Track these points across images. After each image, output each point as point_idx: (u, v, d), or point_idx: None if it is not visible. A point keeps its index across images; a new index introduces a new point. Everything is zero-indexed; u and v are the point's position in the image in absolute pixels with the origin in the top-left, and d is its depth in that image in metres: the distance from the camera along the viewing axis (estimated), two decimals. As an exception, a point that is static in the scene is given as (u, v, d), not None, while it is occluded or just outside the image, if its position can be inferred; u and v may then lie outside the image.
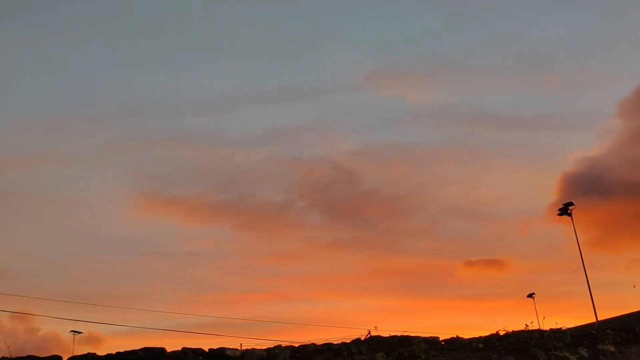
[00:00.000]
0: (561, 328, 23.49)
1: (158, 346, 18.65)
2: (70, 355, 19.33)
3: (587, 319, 40.61)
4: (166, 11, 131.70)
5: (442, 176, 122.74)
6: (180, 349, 18.72)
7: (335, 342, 20.62)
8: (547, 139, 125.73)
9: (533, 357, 20.13)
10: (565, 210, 43.01)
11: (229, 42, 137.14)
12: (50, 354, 18.86)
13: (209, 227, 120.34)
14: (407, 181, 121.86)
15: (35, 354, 18.94)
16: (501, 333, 22.88)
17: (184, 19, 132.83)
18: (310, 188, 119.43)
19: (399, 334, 21.33)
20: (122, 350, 18.65)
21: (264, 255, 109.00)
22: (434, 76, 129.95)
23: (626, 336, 24.00)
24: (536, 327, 23.55)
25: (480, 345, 21.75)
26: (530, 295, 64.71)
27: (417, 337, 21.16)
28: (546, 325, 24.35)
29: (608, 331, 24.30)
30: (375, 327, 22.47)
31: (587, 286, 40.53)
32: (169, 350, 18.58)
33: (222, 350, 18.77)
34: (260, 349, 19.48)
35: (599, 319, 38.97)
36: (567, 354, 20.46)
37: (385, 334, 21.60)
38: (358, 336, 21.86)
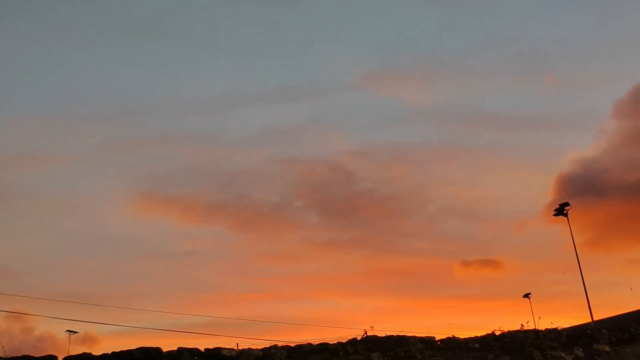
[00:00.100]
0: (557, 328, 23.55)
1: (154, 346, 18.62)
2: (66, 355, 19.28)
3: (582, 319, 40.71)
4: (165, 11, 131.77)
5: (440, 176, 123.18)
6: (176, 348, 18.70)
7: (331, 342, 20.62)
8: (544, 140, 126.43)
9: (529, 357, 20.18)
10: (561, 210, 43.12)
11: (227, 42, 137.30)
12: (46, 354, 18.83)
13: (206, 227, 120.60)
14: (404, 181, 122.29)
15: (31, 354, 18.88)
16: (497, 333, 22.92)
17: (182, 19, 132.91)
18: (308, 188, 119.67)
19: (395, 333, 21.35)
20: (117, 350, 18.61)
21: (261, 255, 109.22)
22: (432, 76, 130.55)
23: (621, 336, 24.09)
24: (532, 327, 23.62)
25: (476, 345, 21.78)
26: (526, 296, 64.92)
27: (413, 337, 21.18)
28: (542, 325, 24.46)
29: (603, 331, 24.38)
30: (372, 327, 22.54)
31: (582, 286, 40.69)
32: (164, 350, 18.54)
33: (218, 350, 18.74)
34: (257, 349, 19.46)
35: (595, 319, 39.10)
36: (562, 354, 20.51)
37: (381, 334, 21.64)
38: (354, 336, 21.92)
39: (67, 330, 56.47)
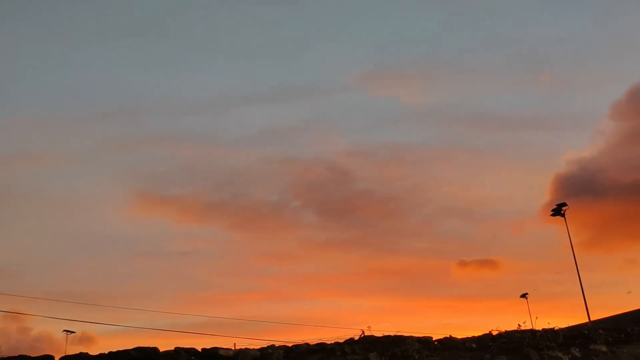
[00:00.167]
0: (554, 328, 23.63)
1: (151, 346, 18.60)
2: (63, 355, 19.25)
3: (580, 319, 40.82)
4: (163, 11, 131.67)
5: (438, 176, 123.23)
6: (173, 348, 18.68)
7: (328, 342, 20.62)
8: (542, 140, 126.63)
9: (526, 357, 20.21)
10: (558, 210, 43.17)
11: (225, 42, 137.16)
12: (43, 354, 18.80)
13: (204, 227, 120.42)
14: (402, 181, 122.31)
15: (28, 354, 18.85)
16: (494, 333, 23.00)
17: (180, 19, 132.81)
18: (306, 188, 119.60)
19: (392, 333, 21.38)
20: (114, 350, 18.60)
21: (258, 255, 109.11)
22: (430, 77, 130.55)
23: (618, 336, 24.17)
24: (529, 327, 23.67)
25: (473, 345, 21.82)
26: (524, 296, 64.97)
27: (411, 337, 21.21)
28: (539, 325, 24.50)
29: (600, 331, 24.46)
30: (369, 327, 22.49)
31: (580, 286, 40.74)
32: (162, 350, 18.53)
33: (215, 350, 18.73)
34: (254, 349, 19.45)
35: (592, 319, 39.16)
36: (559, 354, 20.55)
37: (378, 334, 21.65)
38: (352, 336, 21.89)
39: (65, 330, 56.20)
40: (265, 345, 20.40)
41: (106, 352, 18.63)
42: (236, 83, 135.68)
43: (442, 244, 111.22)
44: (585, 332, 24.36)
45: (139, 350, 18.34)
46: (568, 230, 42.32)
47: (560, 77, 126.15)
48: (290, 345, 20.58)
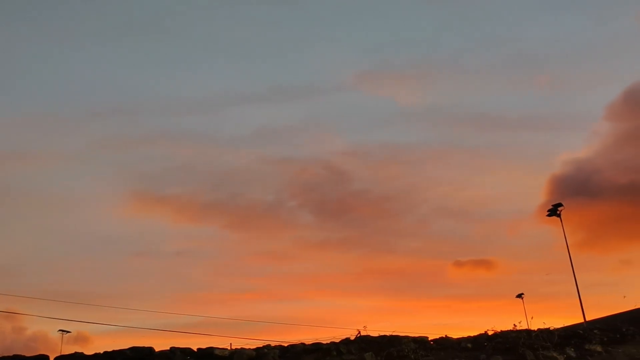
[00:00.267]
0: (549, 328, 23.67)
1: (146, 346, 18.59)
2: (58, 355, 19.22)
3: (575, 319, 40.86)
4: (159, 10, 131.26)
5: (433, 176, 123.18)
6: (168, 348, 18.67)
7: (324, 342, 20.64)
8: (537, 140, 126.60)
9: (521, 357, 20.26)
10: (554, 211, 43.24)
11: (223, 41, 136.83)
12: (38, 354, 18.76)
13: (200, 226, 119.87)
14: (398, 181, 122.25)
15: (23, 354, 18.82)
16: (490, 333, 23.03)
17: (177, 19, 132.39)
18: (302, 188, 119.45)
19: (388, 333, 21.40)
20: (110, 349, 18.59)
21: (254, 254, 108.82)
22: (427, 77, 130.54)
23: (613, 336, 24.24)
24: (524, 327, 23.72)
25: (469, 345, 21.86)
26: (519, 296, 65.13)
27: (406, 337, 21.24)
28: (534, 325, 24.58)
29: (595, 331, 24.51)
30: (365, 327, 22.51)
31: (575, 287, 40.84)
32: (157, 349, 18.52)
33: (210, 349, 18.73)
34: (250, 349, 19.46)
35: (587, 319, 39.25)
36: (554, 354, 20.61)
37: (374, 334, 21.67)
38: (347, 336, 21.90)
39: (60, 330, 56.07)
40: (261, 345, 20.41)
41: (101, 352, 18.63)
42: (233, 83, 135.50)
43: (438, 244, 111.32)
44: (581, 332, 24.43)
45: (135, 350, 18.33)
46: (564, 231, 42.41)
47: (556, 78, 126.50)
48: (286, 345, 20.60)
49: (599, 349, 22.28)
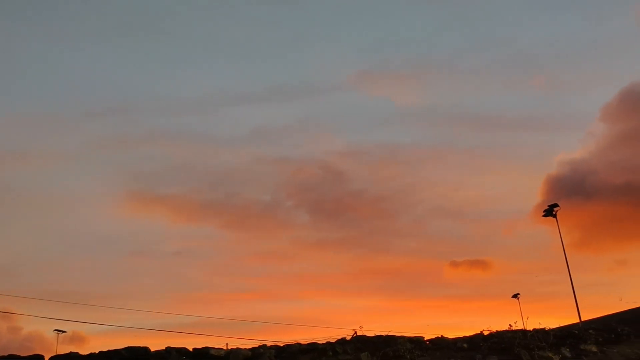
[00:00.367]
0: (544, 328, 23.78)
1: (142, 345, 18.55)
2: (53, 355, 19.17)
3: (571, 319, 40.99)
4: (156, 10, 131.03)
5: (430, 177, 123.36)
6: (164, 348, 18.63)
7: (320, 342, 20.67)
8: (534, 141, 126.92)
9: (516, 357, 20.30)
10: (550, 211, 43.34)
11: (219, 41, 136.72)
12: (33, 353, 18.71)
13: (196, 226, 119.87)
14: (395, 181, 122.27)
15: (18, 354, 18.77)
16: (485, 333, 23.11)
17: (174, 18, 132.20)
18: (298, 188, 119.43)
19: (384, 333, 21.45)
20: (105, 349, 18.54)
21: (250, 254, 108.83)
22: (423, 77, 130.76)
23: (608, 336, 24.35)
24: (520, 327, 23.80)
25: (465, 345, 21.90)
26: (515, 296, 65.26)
27: (402, 337, 21.28)
28: (530, 326, 24.66)
29: (590, 331, 24.61)
30: (361, 327, 22.54)
31: (571, 287, 40.95)
32: (152, 349, 18.48)
33: (206, 349, 18.70)
34: (245, 349, 19.45)
35: (582, 319, 39.37)
36: (550, 354, 20.66)
37: (370, 334, 21.71)
38: (343, 336, 21.94)
39: (55, 330, 55.99)
40: (257, 345, 20.40)
41: (97, 352, 18.58)
42: (230, 82, 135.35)
43: (434, 244, 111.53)
44: (576, 332, 24.52)
45: (130, 349, 18.29)
46: (560, 231, 42.51)
47: (552, 79, 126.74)
48: (281, 345, 20.61)
49: (594, 349, 22.36)
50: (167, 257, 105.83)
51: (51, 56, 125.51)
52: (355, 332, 22.20)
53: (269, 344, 21.02)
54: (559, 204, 43.59)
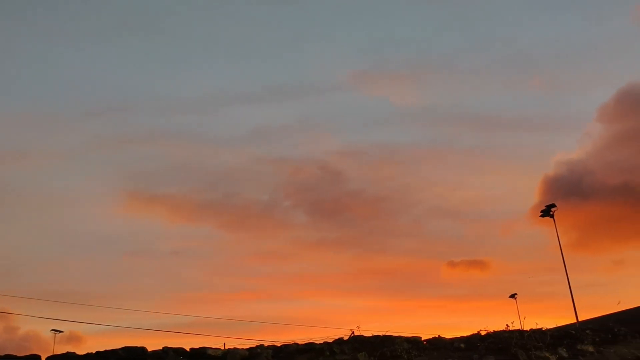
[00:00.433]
0: (541, 328, 23.78)
1: (139, 345, 18.53)
2: (50, 355, 19.13)
3: (568, 319, 41.09)
4: (156, 10, 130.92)
5: (428, 177, 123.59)
6: (161, 348, 18.61)
7: (317, 342, 20.66)
8: (531, 141, 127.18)
9: (514, 357, 20.33)
10: (547, 212, 43.46)
11: (217, 41, 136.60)
12: (30, 353, 18.67)
13: (194, 226, 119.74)
14: (393, 181, 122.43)
15: (15, 354, 18.73)
16: (482, 333, 23.10)
17: (172, 18, 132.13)
18: (296, 188, 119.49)
19: (381, 333, 21.43)
20: (102, 349, 18.52)
21: (248, 254, 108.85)
22: (421, 77, 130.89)
23: (605, 337, 24.36)
24: (517, 327, 23.81)
25: (462, 345, 21.92)
26: (513, 296, 65.39)
27: (400, 337, 21.27)
28: (527, 326, 24.69)
29: (587, 332, 24.63)
30: (358, 327, 22.53)
31: (568, 287, 41.04)
32: (149, 349, 18.46)
33: (203, 349, 18.70)
34: (243, 349, 19.44)
35: (579, 319, 39.45)
36: (547, 354, 20.69)
37: (367, 334, 21.69)
38: (341, 336, 21.91)
39: (52, 330, 55.92)
40: (254, 345, 20.39)
41: (94, 352, 18.55)
42: (228, 82, 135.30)
43: (431, 244, 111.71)
44: (573, 332, 24.53)
45: (127, 349, 18.27)
46: (557, 232, 42.64)
47: (550, 79, 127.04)
48: (279, 345, 20.59)
49: (591, 349, 22.39)
50: (165, 257, 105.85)
51: (51, 56, 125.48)
52: (353, 332, 22.19)
53: (266, 344, 21.01)
54: (556, 204, 43.80)
